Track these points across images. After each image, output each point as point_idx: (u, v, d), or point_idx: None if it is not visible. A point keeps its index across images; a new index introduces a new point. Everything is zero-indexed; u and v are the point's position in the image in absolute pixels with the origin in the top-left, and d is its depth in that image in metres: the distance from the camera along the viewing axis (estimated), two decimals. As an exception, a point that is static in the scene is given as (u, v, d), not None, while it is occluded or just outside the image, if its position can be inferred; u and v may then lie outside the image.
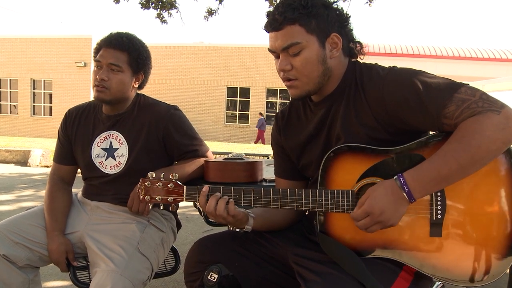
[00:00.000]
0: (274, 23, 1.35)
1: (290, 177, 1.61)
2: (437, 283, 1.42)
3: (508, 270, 1.25)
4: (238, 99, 23.83)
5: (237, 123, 23.82)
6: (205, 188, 1.40)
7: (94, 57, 1.91)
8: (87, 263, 1.87)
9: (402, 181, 1.19)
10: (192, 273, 1.54)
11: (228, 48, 23.15)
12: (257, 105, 23.23)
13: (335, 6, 1.39)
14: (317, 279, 1.26)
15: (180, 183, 1.45)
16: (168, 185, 1.44)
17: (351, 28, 1.42)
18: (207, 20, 9.10)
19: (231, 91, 23.71)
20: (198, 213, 3.00)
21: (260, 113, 22.13)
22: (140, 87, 2.01)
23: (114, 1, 8.87)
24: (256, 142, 20.73)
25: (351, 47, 1.43)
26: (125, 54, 1.87)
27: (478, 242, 1.23)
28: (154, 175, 1.47)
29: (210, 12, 9.04)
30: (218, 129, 23.35)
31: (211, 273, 1.46)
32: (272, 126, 1.66)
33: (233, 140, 22.26)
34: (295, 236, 1.56)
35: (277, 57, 1.40)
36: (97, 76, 1.85)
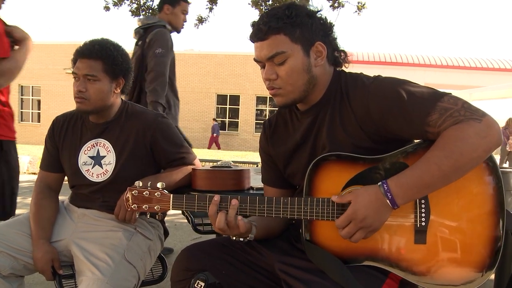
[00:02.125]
0: (259, 33, 1.37)
1: (278, 185, 1.62)
2: (423, 290, 1.44)
3: (493, 276, 1.27)
4: (227, 106, 23.85)
5: (226, 131, 23.81)
6: (216, 197, 1.38)
7: (72, 68, 1.89)
8: (73, 271, 1.85)
9: (386, 187, 1.20)
10: (178, 281, 1.53)
11: (218, 56, 23.19)
12: (247, 112, 23.27)
13: (319, 16, 1.41)
14: (304, 287, 1.26)
15: (167, 192, 1.45)
16: (155, 194, 1.44)
17: (335, 37, 1.44)
18: (197, 27, 9.15)
19: (221, 99, 23.73)
20: (186, 221, 2.99)
21: (214, 119, 22.58)
22: (123, 91, 1.99)
23: (104, 9, 8.88)
24: (209, 147, 21.14)
25: (336, 56, 1.45)
26: (99, 62, 1.84)
27: (462, 249, 1.24)
28: (141, 184, 1.47)
29: (200, 20, 9.10)
30: (207, 136, 23.32)
31: (198, 281, 1.46)
32: (260, 134, 1.67)
33: (223, 148, 22.26)
34: (283, 244, 1.56)
35: (263, 66, 1.41)
36: (75, 88, 1.84)
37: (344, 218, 1.23)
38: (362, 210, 1.21)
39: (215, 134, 21.99)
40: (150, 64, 3.28)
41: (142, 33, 3.48)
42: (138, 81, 3.38)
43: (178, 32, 3.61)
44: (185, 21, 3.60)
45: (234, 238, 1.44)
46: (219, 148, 21.53)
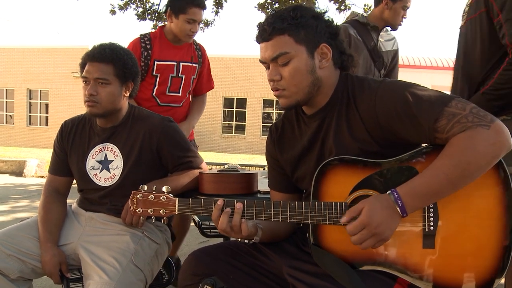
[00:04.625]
0: (263, 34, 1.37)
1: (284, 190, 1.61)
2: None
3: (503, 281, 1.26)
4: (234, 109, 23.85)
5: (233, 134, 23.81)
6: (220, 201, 1.38)
7: (81, 72, 1.89)
8: (80, 275, 1.85)
9: (396, 195, 1.19)
10: (186, 285, 1.53)
11: (225, 59, 23.21)
12: (254, 115, 23.26)
13: (326, 18, 1.40)
14: None
15: (172, 196, 1.45)
16: (160, 198, 1.44)
17: (342, 40, 1.44)
18: (203, 31, 9.19)
19: (228, 102, 23.73)
20: (193, 224, 2.99)
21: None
22: (131, 96, 2.00)
23: (110, 13, 8.94)
24: None
25: (343, 59, 1.44)
26: (110, 66, 1.85)
27: (471, 253, 1.23)
28: (146, 187, 1.47)
29: (206, 23, 9.13)
30: (214, 139, 23.31)
31: (205, 286, 1.46)
32: (266, 138, 1.66)
33: (230, 151, 22.26)
34: (290, 248, 1.56)
35: (267, 67, 1.42)
36: (86, 92, 1.84)
37: (358, 224, 1.21)
38: (377, 217, 1.19)
39: None
40: None
41: None
42: None
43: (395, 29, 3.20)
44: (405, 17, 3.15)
45: (239, 240, 1.44)
46: None
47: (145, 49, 2.85)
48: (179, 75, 2.99)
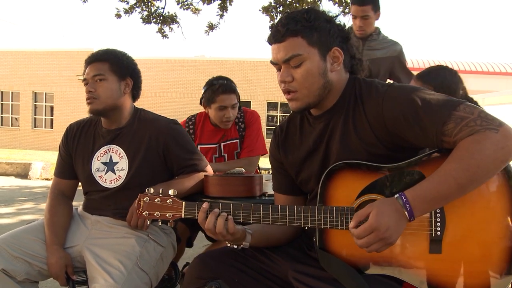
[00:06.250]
0: (276, 35, 1.38)
1: (289, 192, 1.61)
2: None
3: (510, 286, 1.25)
4: (238, 112, 23.82)
5: (237, 136, 23.76)
6: (205, 204, 1.40)
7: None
8: (86, 277, 1.86)
9: (404, 199, 1.18)
10: (191, 289, 1.53)
11: (229, 62, 23.22)
12: (258, 118, 23.24)
13: (338, 22, 1.41)
14: None
15: (179, 199, 1.45)
16: (167, 201, 1.44)
17: (353, 44, 1.44)
18: (208, 34, 9.18)
19: (232, 105, 23.69)
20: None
21: None
22: (134, 96, 2.04)
23: (115, 16, 8.96)
24: None
25: (353, 63, 1.44)
26: (105, 63, 1.93)
27: (478, 259, 1.22)
28: (152, 190, 1.47)
29: (211, 27, 9.13)
30: (218, 142, 23.29)
31: (210, 289, 1.45)
32: (270, 141, 1.66)
33: (234, 153, 22.21)
34: (295, 252, 1.55)
35: (279, 69, 1.41)
36: (85, 91, 1.91)
37: (367, 228, 1.19)
38: (386, 220, 1.18)
39: None
40: None
41: None
42: None
43: None
44: None
45: (229, 245, 1.45)
46: None
47: (188, 133, 2.83)
48: (222, 154, 2.95)
